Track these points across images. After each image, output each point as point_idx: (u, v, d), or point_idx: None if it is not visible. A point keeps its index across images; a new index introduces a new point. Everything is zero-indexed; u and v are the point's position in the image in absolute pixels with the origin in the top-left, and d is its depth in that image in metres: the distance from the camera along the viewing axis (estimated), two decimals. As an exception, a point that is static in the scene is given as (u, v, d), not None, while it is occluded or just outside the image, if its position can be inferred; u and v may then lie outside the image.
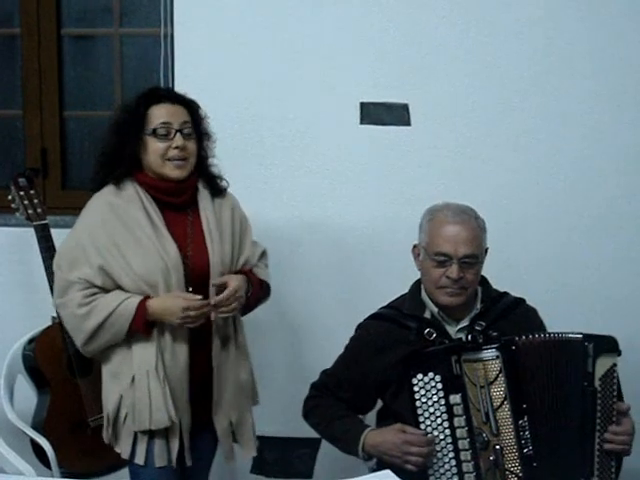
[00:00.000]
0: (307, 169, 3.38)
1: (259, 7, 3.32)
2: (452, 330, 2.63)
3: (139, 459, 2.64)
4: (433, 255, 2.59)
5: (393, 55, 3.31)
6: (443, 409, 2.45)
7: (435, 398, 2.45)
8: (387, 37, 3.30)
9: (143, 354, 2.59)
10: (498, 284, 2.75)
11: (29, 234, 3.19)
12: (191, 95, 2.73)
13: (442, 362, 2.46)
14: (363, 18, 3.30)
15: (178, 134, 2.63)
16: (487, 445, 2.44)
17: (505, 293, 2.74)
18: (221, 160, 2.81)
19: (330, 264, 3.43)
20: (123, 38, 3.59)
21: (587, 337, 2.47)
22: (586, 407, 2.45)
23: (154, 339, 2.59)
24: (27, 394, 3.15)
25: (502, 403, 2.45)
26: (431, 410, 2.46)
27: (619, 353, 2.49)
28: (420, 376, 2.46)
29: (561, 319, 2.70)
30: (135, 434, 2.63)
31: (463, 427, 2.44)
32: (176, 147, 2.62)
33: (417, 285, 2.72)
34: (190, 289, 2.62)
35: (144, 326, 2.57)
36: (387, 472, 2.35)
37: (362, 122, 3.34)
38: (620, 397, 2.53)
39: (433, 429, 2.46)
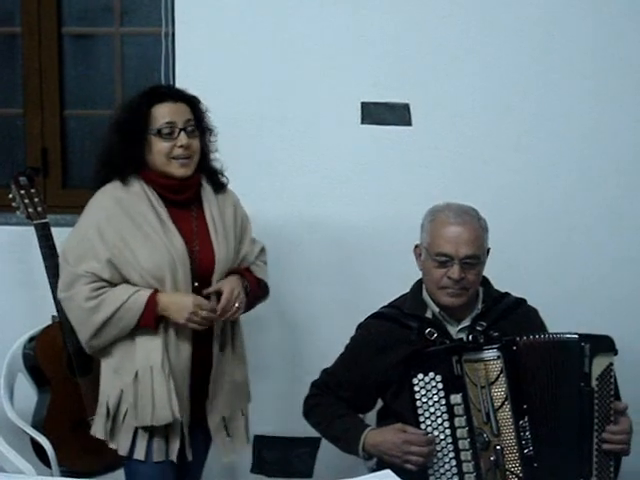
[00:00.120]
0: (307, 169, 3.38)
1: (260, 6, 3.32)
2: (453, 330, 2.64)
3: (139, 455, 2.63)
4: (434, 255, 2.59)
5: (394, 55, 3.31)
6: (444, 409, 2.45)
7: (436, 398, 2.45)
8: (388, 37, 3.30)
9: (148, 350, 2.59)
10: (498, 284, 2.74)
11: (30, 233, 3.18)
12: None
13: (443, 362, 2.46)
14: (364, 18, 3.29)
15: (182, 133, 2.63)
16: (488, 445, 2.44)
17: (506, 293, 2.74)
18: (221, 159, 2.81)
19: (330, 263, 3.43)
20: (124, 37, 3.58)
21: (583, 337, 2.47)
22: (583, 407, 2.45)
23: (160, 335, 2.59)
24: (27, 393, 3.15)
25: (503, 403, 2.45)
26: (432, 410, 2.46)
27: (615, 352, 2.49)
28: (421, 376, 2.46)
29: (561, 319, 2.71)
30: (135, 430, 2.63)
31: (464, 427, 2.44)
32: (181, 146, 2.63)
33: (418, 285, 2.72)
34: (196, 284, 2.63)
35: (153, 320, 2.57)
36: (387, 472, 2.34)
37: (363, 122, 3.34)
38: (618, 396, 2.53)
39: (433, 429, 2.46)
